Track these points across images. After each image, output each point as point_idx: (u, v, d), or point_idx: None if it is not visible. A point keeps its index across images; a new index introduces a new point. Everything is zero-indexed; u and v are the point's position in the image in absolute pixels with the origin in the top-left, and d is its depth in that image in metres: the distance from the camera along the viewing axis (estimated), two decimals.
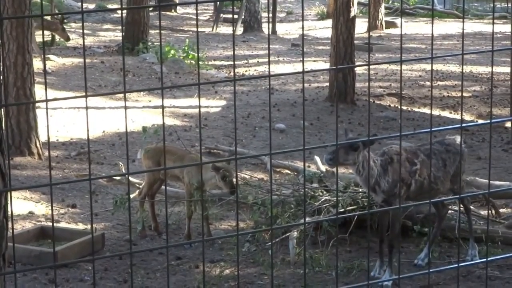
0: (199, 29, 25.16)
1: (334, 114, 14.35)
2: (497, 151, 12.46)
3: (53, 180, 10.13)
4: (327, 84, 15.96)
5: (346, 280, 7.40)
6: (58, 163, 11.08)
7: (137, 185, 9.60)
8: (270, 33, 23.64)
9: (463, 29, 3.70)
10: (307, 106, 14.69)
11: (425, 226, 8.25)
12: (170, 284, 7.42)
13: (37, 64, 14.43)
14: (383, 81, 17.06)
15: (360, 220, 8.10)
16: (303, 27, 3.65)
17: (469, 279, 7.51)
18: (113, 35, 23.48)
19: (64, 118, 13.16)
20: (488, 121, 4.33)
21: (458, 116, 14.74)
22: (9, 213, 3.67)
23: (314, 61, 19.73)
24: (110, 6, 29.17)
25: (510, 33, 19.81)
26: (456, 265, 6.00)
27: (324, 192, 8.56)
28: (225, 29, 26.20)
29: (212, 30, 25.76)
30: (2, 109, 3.63)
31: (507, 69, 16.62)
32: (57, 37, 19.36)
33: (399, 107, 14.68)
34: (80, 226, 8.86)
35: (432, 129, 3.64)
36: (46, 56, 17.08)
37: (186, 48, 18.83)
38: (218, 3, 25.91)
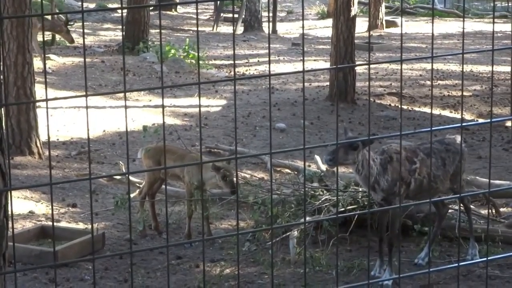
0: (200, 29, 25.17)
1: (334, 113, 14.35)
2: (497, 151, 12.46)
3: (54, 179, 10.13)
4: (328, 83, 15.96)
5: (347, 279, 7.41)
6: (59, 162, 11.08)
7: (138, 185, 9.60)
8: (270, 33, 23.65)
9: (463, 28, 3.70)
10: (307, 106, 14.69)
11: (425, 225, 8.25)
12: (171, 284, 7.42)
13: (37, 63, 14.43)
14: (384, 81, 17.06)
15: (361, 220, 8.10)
16: (303, 27, 3.65)
17: (470, 279, 7.51)
18: (114, 34, 23.48)
19: (65, 118, 13.16)
20: (489, 120, 4.33)
21: (458, 115, 14.74)
22: (10, 212, 3.67)
23: (314, 60, 19.73)
24: (110, 6, 29.18)
25: (510, 32, 19.81)
26: (457, 264, 6.01)
27: (325, 192, 8.56)
28: (226, 29, 26.20)
29: (213, 29, 25.76)
30: (2, 109, 3.63)
31: (508, 68, 16.63)
32: (57, 37, 19.38)
33: (399, 106, 14.68)
34: (81, 226, 8.86)
35: (433, 128, 3.64)
36: (46, 55, 17.08)
37: (186, 47, 18.83)
38: (218, 2, 25.92)
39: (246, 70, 18.52)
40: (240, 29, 25.32)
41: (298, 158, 11.48)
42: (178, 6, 29.31)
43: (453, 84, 17.01)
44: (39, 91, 12.03)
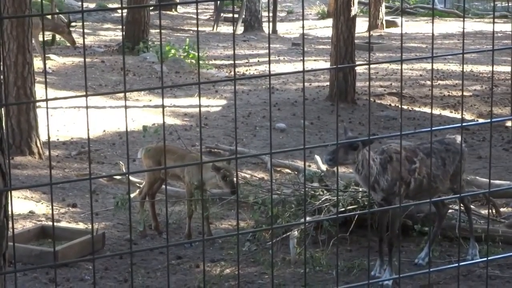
0: (200, 29, 25.17)
1: (334, 113, 14.35)
2: (497, 150, 12.46)
3: (54, 179, 10.13)
4: (328, 83, 15.96)
5: (347, 279, 7.40)
6: (59, 162, 11.08)
7: (138, 185, 9.60)
8: (270, 33, 23.65)
9: (463, 28, 3.70)
10: (307, 106, 14.69)
11: (425, 225, 8.25)
12: (171, 284, 7.42)
13: (37, 63, 14.43)
14: (384, 81, 17.06)
15: (361, 220, 8.10)
16: (303, 27, 3.65)
17: (470, 279, 7.51)
18: (114, 34, 23.48)
19: (65, 118, 13.16)
20: (489, 120, 4.33)
21: (458, 115, 14.74)
22: (10, 212, 3.67)
23: (314, 60, 19.72)
24: (110, 6, 29.18)
25: (510, 32, 19.81)
26: (457, 264, 6.01)
27: (325, 192, 8.55)
28: (226, 29, 26.20)
29: (213, 29, 25.76)
30: (2, 109, 3.63)
31: (508, 68, 16.63)
32: (57, 37, 19.38)
33: (399, 106, 14.67)
34: (81, 226, 8.86)
35: (433, 128, 3.64)
36: (46, 55, 17.08)
37: (186, 47, 18.83)
38: (218, 2, 25.92)
39: (246, 70, 18.52)
40: (240, 29, 25.32)
41: (298, 158, 11.48)
42: (178, 6, 29.31)
43: (453, 84, 17.01)
44: (39, 91, 12.03)
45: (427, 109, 15.01)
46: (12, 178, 9.49)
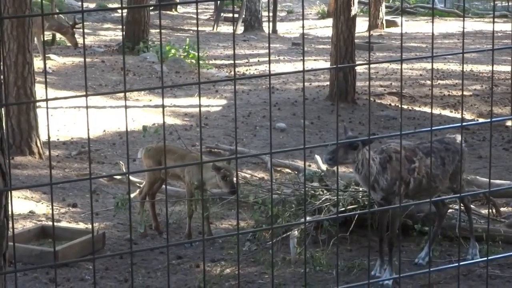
0: (200, 28, 25.17)
1: (334, 113, 14.35)
2: (497, 150, 12.46)
3: (54, 179, 10.13)
4: (328, 83, 15.96)
5: (347, 279, 7.41)
6: (59, 162, 11.08)
7: (138, 185, 9.60)
8: (270, 32, 23.65)
9: (463, 28, 3.70)
10: (307, 105, 14.69)
11: (425, 225, 8.25)
12: (171, 283, 7.42)
13: (37, 63, 14.44)
14: (384, 80, 17.06)
15: (361, 219, 8.10)
16: (303, 26, 3.65)
17: (470, 278, 7.51)
18: (114, 34, 23.48)
19: (65, 118, 13.16)
20: (489, 120, 4.33)
21: (458, 115, 14.74)
22: (10, 212, 3.67)
23: (314, 60, 19.73)
24: (110, 5, 29.18)
25: (510, 32, 19.81)
26: (457, 264, 6.01)
27: (325, 191, 8.55)
28: (226, 28, 26.20)
29: (213, 29, 25.76)
30: (2, 109, 3.63)
31: (508, 68, 16.63)
32: (57, 37, 19.38)
33: (399, 106, 14.68)
34: (81, 226, 8.86)
35: (433, 128, 3.64)
36: (46, 55, 17.08)
37: (186, 47, 18.84)
38: (218, 2, 25.92)
39: (246, 70, 18.52)
40: (240, 29, 25.32)
41: (298, 158, 11.49)
42: (178, 6, 29.32)
43: (453, 84, 17.01)
44: (39, 91, 12.03)
45: (427, 109, 15.01)
46: (12, 178, 9.49)
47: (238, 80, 16.62)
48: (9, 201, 3.62)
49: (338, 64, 14.83)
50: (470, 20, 28.07)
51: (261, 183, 9.16)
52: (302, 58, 19.25)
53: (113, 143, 12.17)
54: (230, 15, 26.71)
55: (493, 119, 3.83)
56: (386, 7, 27.72)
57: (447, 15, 29.29)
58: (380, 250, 7.50)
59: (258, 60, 19.78)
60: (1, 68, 3.55)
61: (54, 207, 9.31)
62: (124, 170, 9.98)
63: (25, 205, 9.36)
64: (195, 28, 25.24)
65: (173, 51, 18.57)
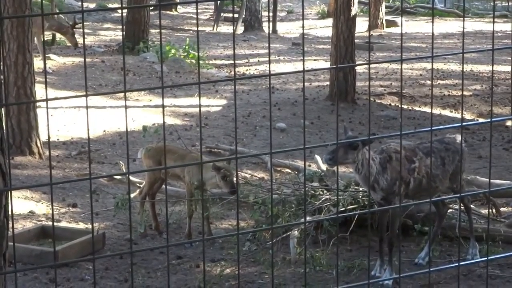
0: (200, 28, 25.17)
1: (334, 113, 14.35)
2: (497, 150, 12.46)
3: (54, 179, 10.13)
4: (328, 83, 15.96)
5: (347, 279, 7.40)
6: (59, 162, 11.08)
7: (138, 185, 9.60)
8: (270, 32, 23.65)
9: (463, 28, 3.70)
10: (307, 105, 14.69)
11: (425, 225, 8.25)
12: (171, 283, 7.42)
13: (37, 63, 14.44)
14: (384, 80, 17.06)
15: (361, 219, 8.10)
16: (303, 26, 3.65)
17: (470, 278, 7.51)
18: (114, 34, 23.48)
19: (65, 118, 13.16)
20: (489, 120, 4.33)
21: (458, 115, 14.74)
22: (10, 212, 3.67)
23: (314, 60, 19.73)
24: (110, 5, 29.18)
25: (510, 32, 19.81)
26: (457, 264, 6.01)
27: (325, 191, 8.55)
28: (226, 28, 26.20)
29: (213, 29, 25.76)
30: (2, 109, 3.63)
31: (508, 68, 16.63)
32: (57, 37, 19.38)
33: (399, 106, 14.68)
34: (81, 226, 8.86)
35: (433, 128, 3.64)
36: (46, 55, 17.08)
37: (186, 47, 18.84)
38: (218, 2, 25.92)
39: (246, 70, 18.52)
40: (240, 29, 25.32)
41: (298, 158, 11.48)
42: (178, 6, 29.32)
43: (453, 84, 17.01)
44: (39, 91, 12.04)
45: (427, 109, 15.01)
46: (12, 178, 9.49)
47: (238, 80, 16.62)
48: (9, 201, 3.62)
49: (338, 64, 14.83)
50: (470, 20, 28.07)
51: (261, 183, 9.16)
52: (302, 58, 19.25)
53: (113, 143, 12.17)
54: (230, 15, 26.71)
55: (493, 119, 3.83)
56: (386, 7, 27.73)
57: (447, 15, 29.29)
58: (380, 250, 7.50)
59: (258, 60, 19.78)
60: (1, 68, 3.55)
61: (54, 207, 9.31)
62: (124, 170, 9.98)
63: (25, 205, 9.36)
64: (195, 28, 25.24)
65: (173, 51, 18.57)
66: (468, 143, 12.25)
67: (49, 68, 16.62)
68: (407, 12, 29.57)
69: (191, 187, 8.31)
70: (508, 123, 13.70)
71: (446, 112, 14.99)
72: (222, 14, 26.81)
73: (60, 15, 18.03)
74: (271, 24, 24.40)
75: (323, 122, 13.89)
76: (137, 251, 8.28)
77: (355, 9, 14.93)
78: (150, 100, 14.94)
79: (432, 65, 4.10)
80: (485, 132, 13.39)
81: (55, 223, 8.58)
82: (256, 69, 18.61)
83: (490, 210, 9.11)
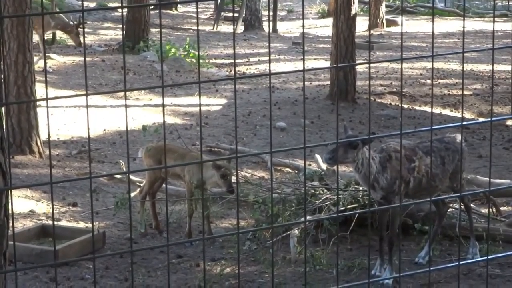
0: (200, 28, 25.17)
1: (334, 112, 14.35)
2: (498, 149, 12.46)
3: (54, 178, 10.13)
4: (328, 82, 15.96)
5: (347, 278, 7.41)
6: (59, 161, 11.09)
7: (138, 184, 9.60)
8: (270, 32, 23.65)
9: (463, 27, 3.70)
10: (307, 105, 14.69)
11: (425, 224, 8.25)
12: (171, 282, 7.42)
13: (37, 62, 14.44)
14: (384, 79, 17.06)
15: (361, 218, 8.10)
16: (303, 26, 3.65)
17: (470, 277, 7.51)
18: (114, 33, 23.49)
19: (65, 117, 13.17)
20: (489, 119, 4.34)
21: (458, 114, 14.74)
22: (10, 211, 3.67)
23: (315, 59, 19.73)
24: (110, 5, 29.18)
25: (511, 31, 19.81)
26: (457, 263, 6.01)
27: (325, 191, 8.56)
28: (226, 28, 26.20)
29: (213, 28, 25.76)
30: (2, 108, 3.63)
31: (508, 67, 16.64)
32: (57, 36, 19.39)
33: (399, 105, 14.67)
34: (81, 225, 8.87)
35: (433, 127, 3.64)
36: (47, 54, 17.08)
37: (186, 46, 18.84)
38: (219, 1, 25.93)
39: (247, 69, 18.52)
40: (240, 28, 25.32)
41: (298, 157, 11.48)
42: (179, 5, 29.31)
43: (453, 83, 17.01)
44: (40, 90, 12.04)
45: (427, 108, 15.01)
46: (12, 177, 9.50)
47: (238, 79, 16.62)
48: (9, 200, 3.62)
49: (338, 63, 14.83)
50: (470, 20, 28.07)
51: (261, 182, 9.17)
52: (302, 57, 19.24)
53: (113, 142, 12.17)
54: (230, 14, 26.71)
55: (493, 118, 3.83)
56: (386, 6, 27.73)
57: (447, 14, 29.29)
58: (380, 249, 7.50)
59: (258, 59, 19.78)
60: (1, 67, 3.55)
61: (54, 206, 9.31)
62: (124, 169, 9.98)
63: (25, 204, 9.36)
64: (195, 27, 25.25)
65: (173, 50, 18.58)
66: (468, 142, 12.25)
67: (50, 67, 16.63)
68: (407, 11, 29.57)
69: (191, 186, 8.31)
70: (508, 122, 13.70)
71: (446, 112, 14.99)
72: (222, 13, 26.81)
73: (61, 14, 18.04)
74: (271, 23, 24.40)
75: (323, 121, 13.90)
76: (137, 250, 8.28)
77: (355, 8, 14.93)
78: (150, 99, 14.95)
79: (432, 64, 4.10)
80: (485, 131, 13.39)
81: (55, 222, 8.59)
82: (256, 68, 18.60)
83: (490, 209, 9.11)
